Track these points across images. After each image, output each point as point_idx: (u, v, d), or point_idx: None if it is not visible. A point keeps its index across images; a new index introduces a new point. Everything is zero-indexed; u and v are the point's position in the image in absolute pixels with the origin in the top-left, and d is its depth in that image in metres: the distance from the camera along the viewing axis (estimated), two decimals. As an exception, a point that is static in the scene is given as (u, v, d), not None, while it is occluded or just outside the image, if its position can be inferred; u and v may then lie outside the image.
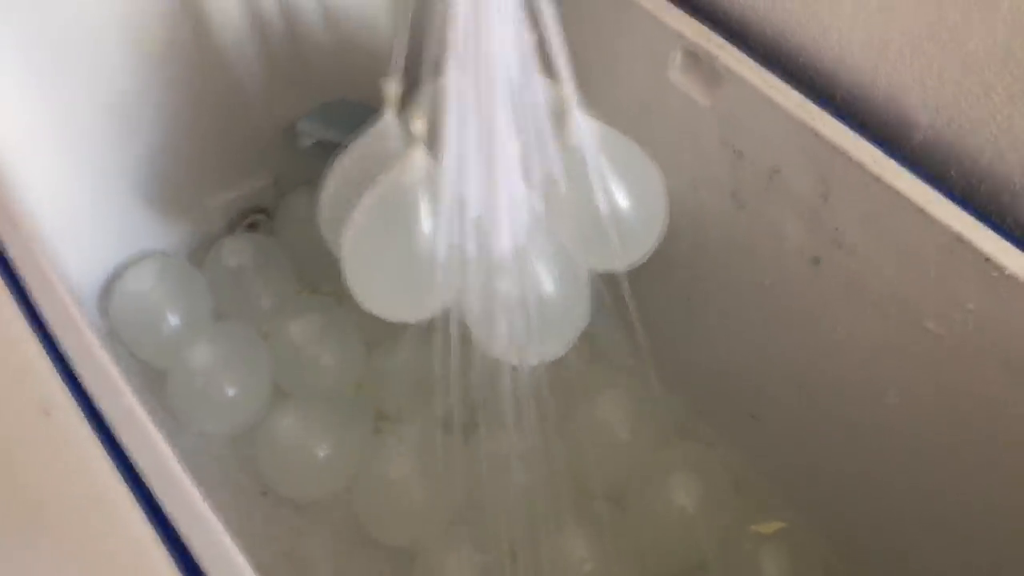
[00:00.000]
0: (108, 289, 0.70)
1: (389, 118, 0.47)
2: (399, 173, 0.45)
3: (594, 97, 0.58)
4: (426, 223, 0.44)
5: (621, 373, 0.66)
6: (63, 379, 0.38)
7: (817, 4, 0.49)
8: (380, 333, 0.67)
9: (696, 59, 0.52)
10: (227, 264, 0.71)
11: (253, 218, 0.78)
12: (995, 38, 0.41)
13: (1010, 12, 0.40)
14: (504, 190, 0.44)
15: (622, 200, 0.50)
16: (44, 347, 0.39)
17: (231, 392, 0.65)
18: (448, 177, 0.43)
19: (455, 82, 0.42)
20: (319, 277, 0.75)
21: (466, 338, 0.48)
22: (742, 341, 0.59)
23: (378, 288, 0.47)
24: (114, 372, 0.38)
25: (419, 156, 0.44)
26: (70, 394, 0.38)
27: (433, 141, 0.44)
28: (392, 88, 0.46)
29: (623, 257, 0.51)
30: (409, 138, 0.44)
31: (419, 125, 0.44)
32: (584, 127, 0.47)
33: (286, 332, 0.67)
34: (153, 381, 0.67)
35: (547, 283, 0.47)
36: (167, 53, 0.63)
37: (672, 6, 0.53)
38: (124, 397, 0.37)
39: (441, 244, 0.44)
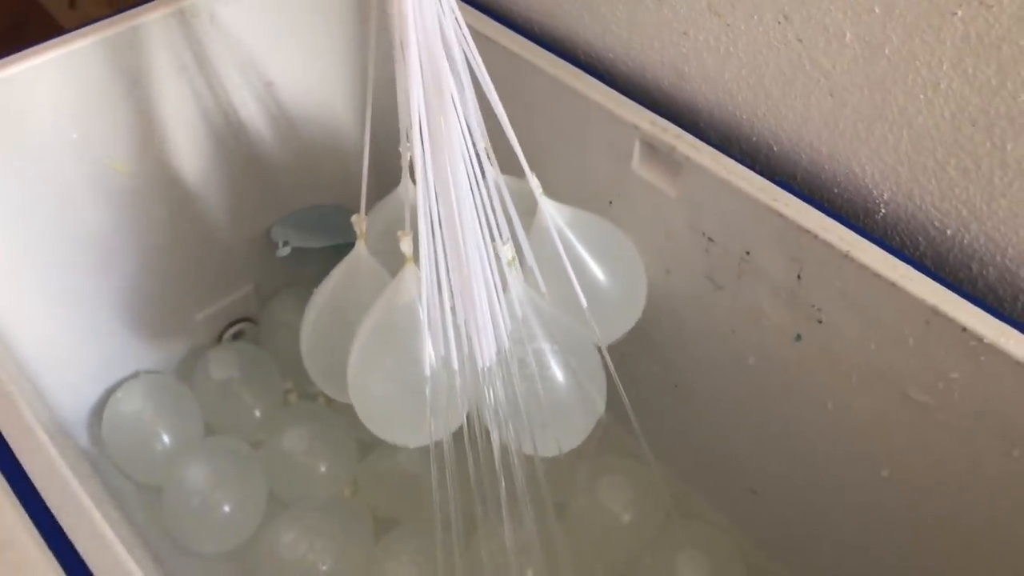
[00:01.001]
0: (97, 414, 0.70)
1: (361, 250, 0.48)
2: (392, 294, 0.45)
3: (564, 192, 0.59)
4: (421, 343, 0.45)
5: (616, 457, 0.65)
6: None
7: (766, 88, 0.50)
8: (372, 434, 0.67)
9: (655, 150, 0.53)
10: (214, 377, 0.71)
11: (238, 327, 0.79)
12: (941, 115, 0.42)
13: (950, 90, 0.41)
14: (479, 296, 0.45)
15: (600, 274, 0.51)
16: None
17: (227, 511, 0.64)
18: (428, 290, 0.44)
19: (421, 190, 0.42)
20: (307, 379, 0.75)
21: (459, 437, 0.48)
22: (734, 419, 0.59)
23: (383, 413, 0.47)
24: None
25: (410, 275, 0.45)
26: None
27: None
28: (362, 224, 0.46)
29: (609, 330, 0.51)
30: (376, 271, 0.45)
31: (407, 243, 0.44)
32: (552, 210, 0.48)
33: (278, 442, 0.67)
34: (149, 501, 0.67)
35: (552, 372, 0.48)
36: (136, 182, 0.63)
37: (626, 99, 0.54)
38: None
39: (428, 362, 0.44)
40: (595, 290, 0.51)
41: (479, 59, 0.42)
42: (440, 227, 0.43)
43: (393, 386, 0.45)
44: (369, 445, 0.69)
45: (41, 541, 0.35)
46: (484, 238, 0.44)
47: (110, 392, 0.71)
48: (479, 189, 0.42)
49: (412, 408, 0.44)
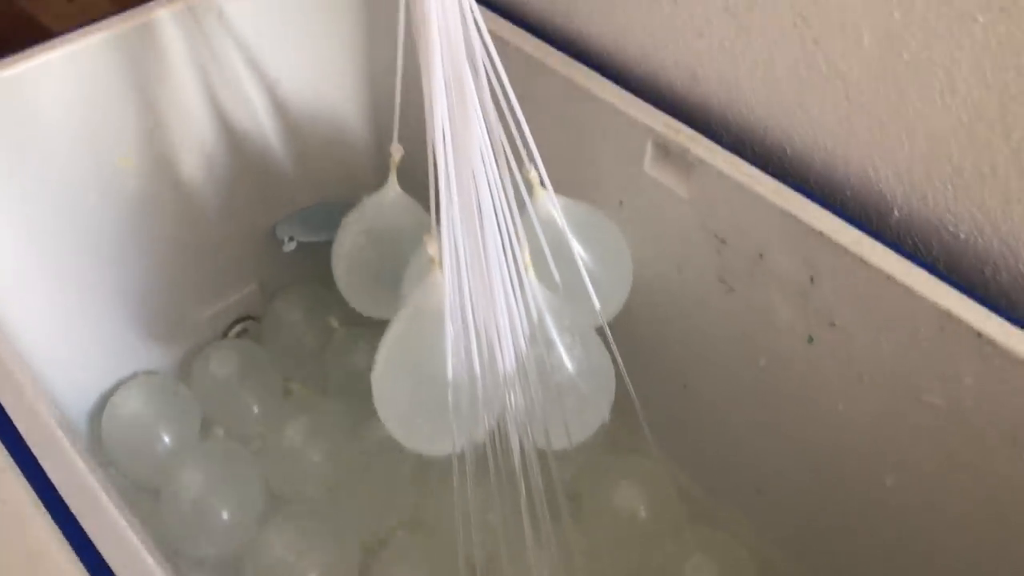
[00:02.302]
0: (98, 413, 0.69)
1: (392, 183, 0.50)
2: (421, 298, 0.45)
3: (573, 190, 0.59)
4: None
5: (626, 457, 0.66)
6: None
7: (781, 90, 0.50)
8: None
9: (667, 151, 0.53)
10: (214, 374, 0.71)
11: (242, 325, 0.79)
12: (958, 119, 0.42)
13: (968, 94, 0.41)
14: (500, 303, 0.45)
15: (592, 257, 0.52)
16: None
17: (223, 516, 0.64)
18: (449, 293, 0.44)
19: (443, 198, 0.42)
20: (308, 375, 0.75)
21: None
22: (743, 418, 0.59)
23: (408, 419, 0.47)
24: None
25: (438, 280, 0.44)
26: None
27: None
28: (397, 153, 0.49)
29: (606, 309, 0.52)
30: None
31: (433, 247, 0.44)
32: (550, 200, 0.49)
33: (277, 437, 0.67)
34: (147, 501, 0.66)
35: (566, 366, 0.48)
36: (142, 179, 0.63)
37: (639, 100, 0.54)
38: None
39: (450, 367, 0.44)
40: (591, 274, 0.52)
41: (500, 67, 0.42)
42: (462, 234, 0.43)
43: (418, 394, 0.45)
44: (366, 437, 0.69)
45: (70, 551, 0.35)
46: (504, 245, 0.44)
47: (112, 391, 0.70)
48: (499, 197, 0.42)
49: (436, 417, 0.44)
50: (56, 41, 0.56)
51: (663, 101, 0.55)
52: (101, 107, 0.59)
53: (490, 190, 0.42)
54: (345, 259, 0.58)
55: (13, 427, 0.40)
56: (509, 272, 0.44)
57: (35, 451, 0.39)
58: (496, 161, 0.42)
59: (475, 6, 0.41)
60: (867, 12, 0.43)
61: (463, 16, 0.40)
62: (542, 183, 0.49)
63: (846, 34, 0.44)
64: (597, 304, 0.50)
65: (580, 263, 0.49)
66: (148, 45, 0.59)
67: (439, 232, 0.43)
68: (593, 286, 0.50)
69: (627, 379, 0.51)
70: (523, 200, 0.48)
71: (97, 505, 0.37)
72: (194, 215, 0.68)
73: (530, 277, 0.46)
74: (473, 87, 0.39)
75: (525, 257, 0.45)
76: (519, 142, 0.45)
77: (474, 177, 0.41)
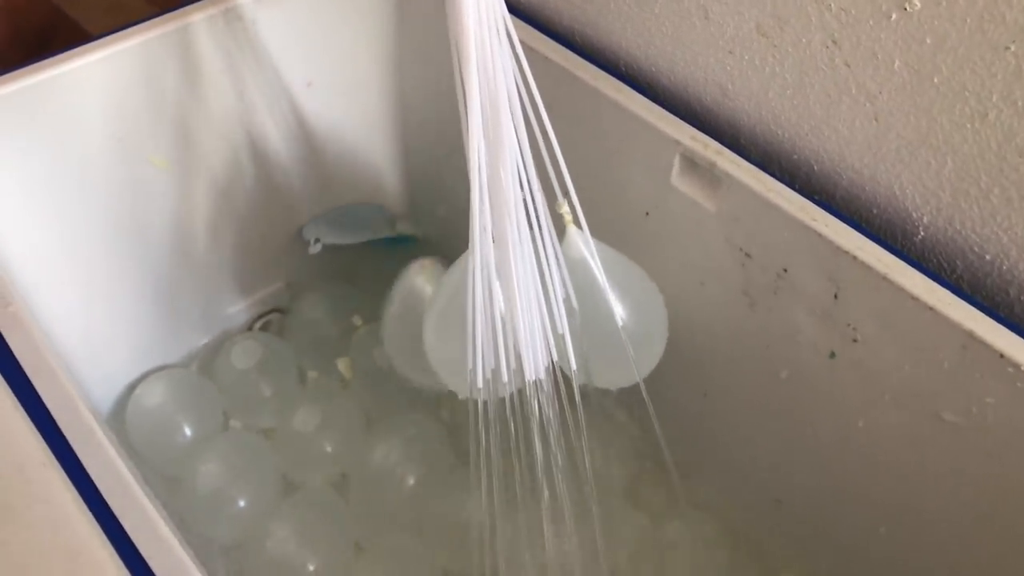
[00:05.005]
0: (122, 406, 0.71)
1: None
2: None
3: (598, 201, 0.59)
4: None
5: (640, 465, 0.67)
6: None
7: (811, 109, 0.50)
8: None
9: (695, 164, 0.54)
10: (235, 365, 0.73)
11: (267, 318, 0.80)
12: (988, 144, 0.43)
13: (998, 121, 0.42)
14: (529, 311, 0.45)
15: (623, 309, 0.51)
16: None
17: (240, 503, 0.66)
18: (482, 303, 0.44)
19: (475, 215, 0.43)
20: (325, 370, 0.77)
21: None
22: (762, 431, 0.59)
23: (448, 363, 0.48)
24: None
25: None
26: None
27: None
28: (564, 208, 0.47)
29: (635, 369, 0.52)
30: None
31: (566, 209, 0.46)
32: (582, 243, 0.48)
33: (291, 423, 0.69)
34: (167, 489, 0.68)
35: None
36: (174, 178, 0.64)
37: (667, 113, 0.54)
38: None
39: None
40: (625, 327, 0.51)
41: (533, 84, 0.42)
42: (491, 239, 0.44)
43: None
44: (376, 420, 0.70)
45: (112, 552, 0.36)
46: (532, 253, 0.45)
47: (139, 382, 0.72)
48: (530, 214, 0.43)
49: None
50: (96, 43, 0.57)
51: (692, 115, 0.56)
52: (139, 107, 0.60)
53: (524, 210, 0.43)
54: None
55: (54, 423, 0.41)
56: (538, 282, 0.45)
57: (76, 449, 0.40)
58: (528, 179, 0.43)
59: (509, 21, 0.41)
60: (899, 37, 0.43)
61: (497, 30, 0.41)
62: (576, 221, 0.49)
63: (877, 59, 0.45)
64: (631, 351, 0.49)
65: (612, 302, 0.49)
66: (185, 48, 0.60)
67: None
68: (628, 339, 0.50)
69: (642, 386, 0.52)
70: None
71: (136, 505, 0.38)
72: (224, 215, 0.69)
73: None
74: (508, 109, 0.40)
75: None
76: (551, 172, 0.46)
77: (506, 202, 0.42)
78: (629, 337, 0.50)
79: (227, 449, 0.68)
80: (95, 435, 0.40)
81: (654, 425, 0.54)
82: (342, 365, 0.76)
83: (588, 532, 0.56)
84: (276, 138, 0.69)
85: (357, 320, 0.78)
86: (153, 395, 0.70)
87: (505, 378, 0.43)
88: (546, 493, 0.48)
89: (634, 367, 0.49)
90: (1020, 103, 0.40)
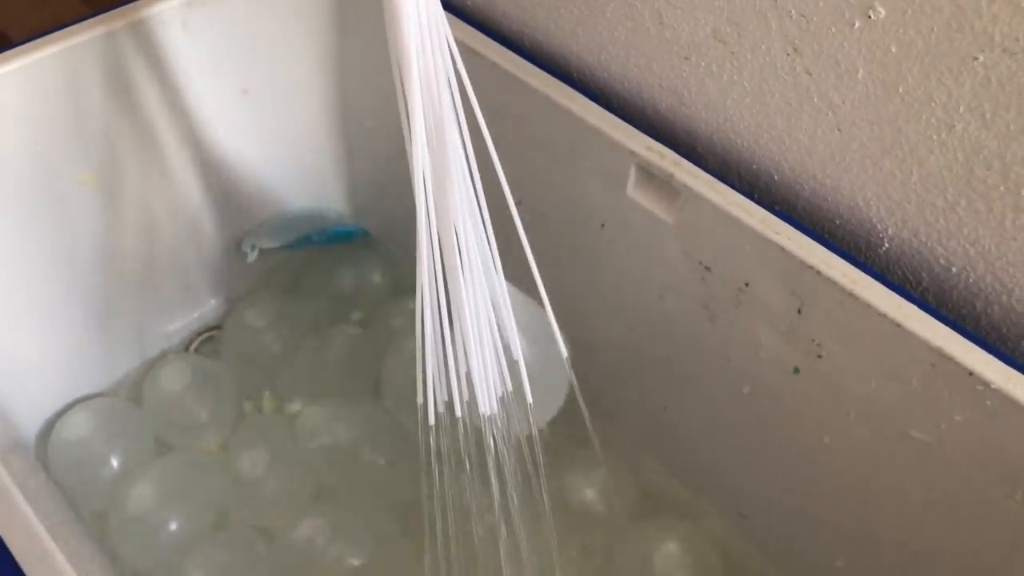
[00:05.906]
0: (46, 437, 0.66)
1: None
2: None
3: (554, 214, 0.57)
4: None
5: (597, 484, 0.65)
6: None
7: (771, 118, 0.48)
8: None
9: (651, 175, 0.51)
10: (165, 388, 0.68)
11: (206, 335, 0.76)
12: (955, 156, 0.41)
13: (965, 132, 0.40)
14: (482, 344, 0.43)
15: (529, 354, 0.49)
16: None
17: (173, 528, 0.62)
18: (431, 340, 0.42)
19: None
20: (267, 385, 0.73)
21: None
22: (725, 446, 0.58)
23: None
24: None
25: None
26: None
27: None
28: None
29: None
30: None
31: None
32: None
33: (236, 460, 0.65)
34: (95, 526, 0.64)
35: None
36: (103, 194, 0.61)
37: (622, 123, 0.52)
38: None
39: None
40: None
41: (468, 86, 0.40)
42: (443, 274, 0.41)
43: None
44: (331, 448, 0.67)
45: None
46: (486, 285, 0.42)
47: (69, 407, 0.68)
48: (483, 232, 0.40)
49: None
50: (11, 52, 0.53)
51: (646, 122, 0.54)
52: (61, 120, 0.56)
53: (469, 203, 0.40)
54: None
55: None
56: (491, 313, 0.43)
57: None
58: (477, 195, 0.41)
59: (447, 29, 0.39)
60: (863, 46, 0.41)
61: (439, 39, 0.38)
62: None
63: (840, 67, 0.43)
64: (530, 397, 0.45)
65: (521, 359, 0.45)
66: (110, 56, 0.56)
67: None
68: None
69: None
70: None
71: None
72: (156, 230, 0.65)
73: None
74: (454, 120, 0.38)
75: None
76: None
77: (456, 222, 0.39)
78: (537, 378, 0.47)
79: (157, 476, 0.64)
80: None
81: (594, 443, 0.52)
82: (267, 403, 0.73)
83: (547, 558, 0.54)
84: (211, 148, 0.65)
85: (298, 330, 0.75)
86: (74, 427, 0.65)
87: (459, 412, 0.41)
88: (503, 530, 0.45)
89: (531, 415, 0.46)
90: (988, 114, 0.39)
